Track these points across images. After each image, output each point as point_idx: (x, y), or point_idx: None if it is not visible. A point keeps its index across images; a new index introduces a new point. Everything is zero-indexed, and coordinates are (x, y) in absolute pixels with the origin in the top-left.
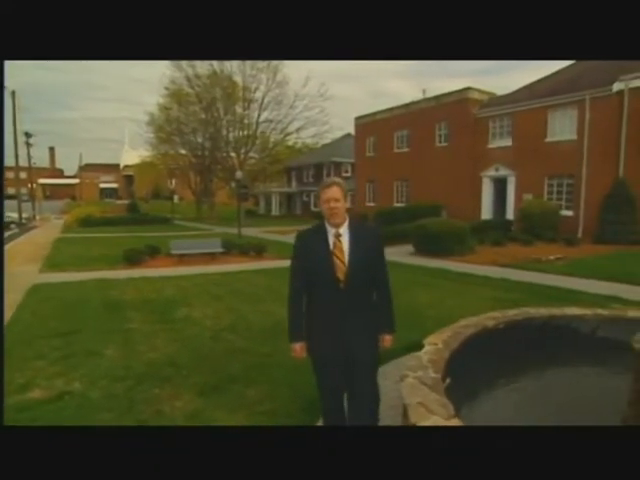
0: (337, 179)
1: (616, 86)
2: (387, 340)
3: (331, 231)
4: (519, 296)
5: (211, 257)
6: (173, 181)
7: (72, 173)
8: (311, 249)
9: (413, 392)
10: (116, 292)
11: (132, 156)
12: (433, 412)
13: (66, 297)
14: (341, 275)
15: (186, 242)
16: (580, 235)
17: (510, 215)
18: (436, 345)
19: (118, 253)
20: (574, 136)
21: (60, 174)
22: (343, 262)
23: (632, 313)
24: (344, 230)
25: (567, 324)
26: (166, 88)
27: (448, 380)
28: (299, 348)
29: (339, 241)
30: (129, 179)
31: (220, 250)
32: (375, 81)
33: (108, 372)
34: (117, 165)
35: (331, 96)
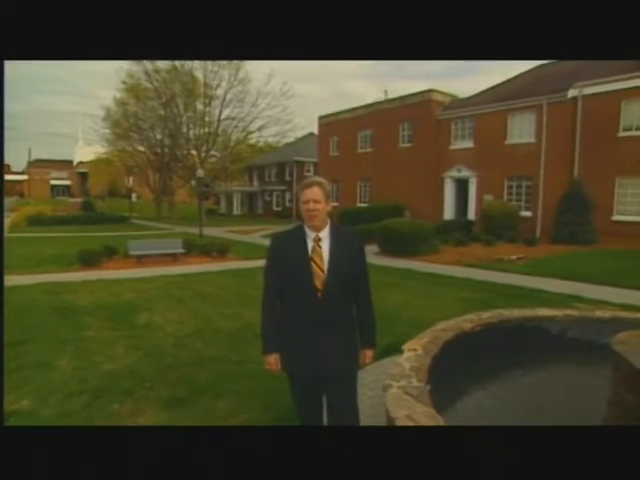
0: (319, 178)
1: (571, 92)
2: (368, 356)
3: (310, 235)
4: (486, 296)
5: (172, 258)
6: (131, 179)
7: (21, 169)
8: (287, 253)
9: (398, 404)
10: (70, 296)
11: (86, 152)
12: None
13: (14, 302)
14: (319, 284)
15: (145, 242)
16: (538, 235)
17: (472, 215)
18: (416, 351)
19: (72, 254)
20: (532, 139)
21: (7, 170)
22: (322, 269)
23: (599, 313)
24: (324, 235)
25: (539, 325)
26: (123, 82)
27: (428, 387)
28: (273, 360)
29: (318, 246)
30: (83, 176)
31: (181, 251)
32: (337, 81)
33: (61, 386)
34: (70, 161)
35: (294, 95)
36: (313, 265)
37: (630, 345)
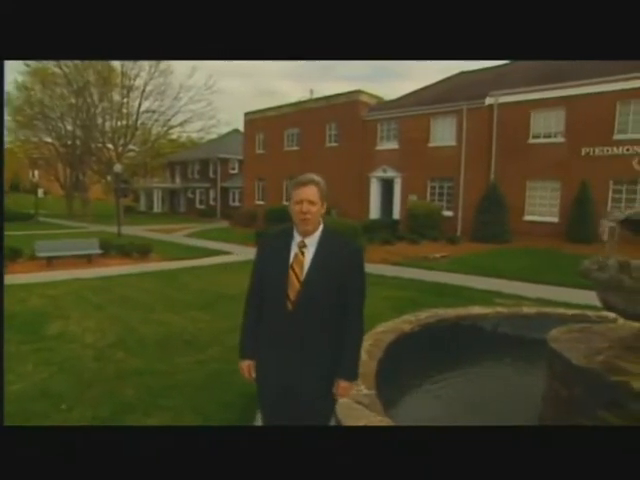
0: (316, 177)
1: (488, 100)
2: (342, 388)
3: (297, 239)
4: (415, 294)
5: (87, 260)
6: (36, 172)
7: None
8: (269, 257)
9: (351, 414)
10: None
11: None
12: None
13: None
14: (292, 294)
15: (55, 243)
16: (459, 234)
17: (397, 215)
18: None
19: None
20: (453, 142)
21: None
22: (299, 279)
23: (526, 310)
24: (312, 241)
25: (473, 323)
26: (26, 65)
27: (374, 392)
28: (246, 367)
29: (301, 253)
30: None
31: (98, 251)
32: (262, 79)
33: None
34: None
35: (218, 90)
36: (291, 274)
37: (563, 341)
